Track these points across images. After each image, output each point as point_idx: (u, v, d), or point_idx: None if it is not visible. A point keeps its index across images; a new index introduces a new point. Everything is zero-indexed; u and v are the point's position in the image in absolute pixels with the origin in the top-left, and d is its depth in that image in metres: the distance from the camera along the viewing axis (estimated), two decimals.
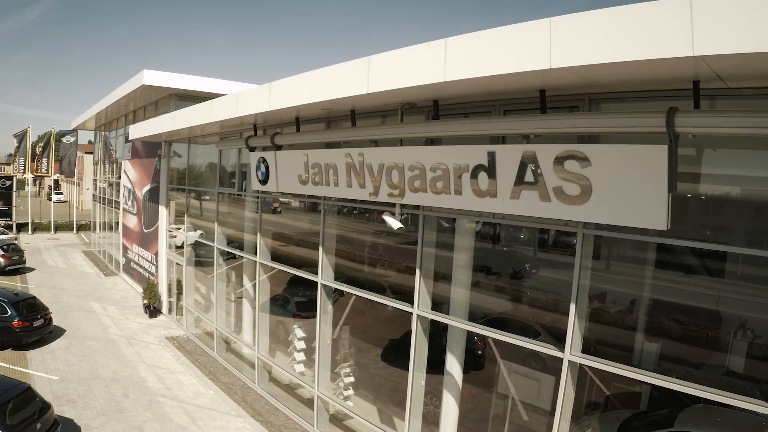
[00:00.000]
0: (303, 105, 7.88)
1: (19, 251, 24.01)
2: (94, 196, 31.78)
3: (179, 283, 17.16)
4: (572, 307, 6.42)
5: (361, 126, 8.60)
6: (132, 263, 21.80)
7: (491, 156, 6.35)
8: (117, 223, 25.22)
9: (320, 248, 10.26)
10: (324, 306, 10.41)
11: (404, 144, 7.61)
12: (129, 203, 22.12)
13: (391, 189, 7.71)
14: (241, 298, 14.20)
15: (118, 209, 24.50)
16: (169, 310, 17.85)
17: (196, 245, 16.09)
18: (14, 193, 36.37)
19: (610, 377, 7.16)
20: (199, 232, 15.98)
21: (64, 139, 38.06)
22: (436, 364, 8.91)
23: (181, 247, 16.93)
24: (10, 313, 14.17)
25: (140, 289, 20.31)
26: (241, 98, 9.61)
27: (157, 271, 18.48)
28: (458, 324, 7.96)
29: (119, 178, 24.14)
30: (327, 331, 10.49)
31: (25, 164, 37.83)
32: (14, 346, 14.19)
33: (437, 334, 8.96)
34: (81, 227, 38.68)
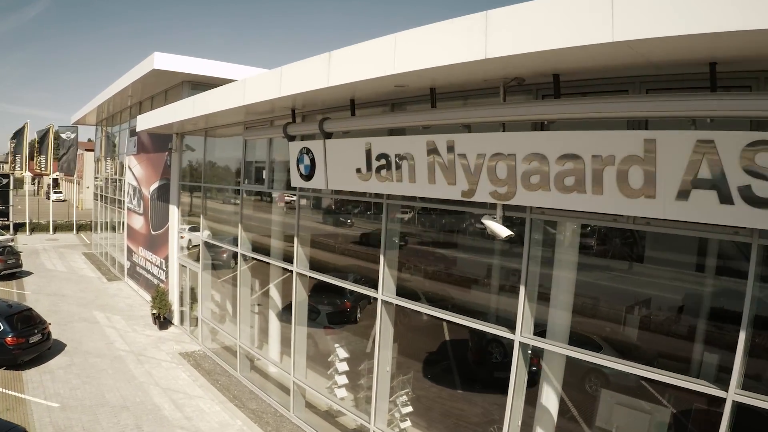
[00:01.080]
0: (380, 78, 6.00)
1: (16, 254, 21.96)
2: (95, 194, 29.74)
3: (193, 291, 15.22)
4: (742, 336, 4.72)
5: (446, 108, 6.72)
6: (138, 267, 19.83)
7: (650, 145, 4.62)
8: (120, 224, 23.24)
9: (381, 258, 8.38)
10: (385, 328, 8.52)
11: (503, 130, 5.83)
12: (134, 202, 20.14)
13: (496, 186, 5.88)
14: (267, 310, 12.29)
15: (122, 209, 22.53)
16: (181, 321, 15.91)
17: (213, 249, 14.17)
18: (11, 192, 34.18)
19: None
20: (207, 233, 14.05)
21: (63, 136, 35.97)
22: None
23: (191, 248, 15.03)
24: (2, 328, 12.20)
25: (147, 297, 18.36)
26: (285, 74, 7.71)
27: (167, 277, 16.52)
28: (567, 351, 6.13)
29: (123, 175, 22.15)
30: (387, 357, 8.61)
31: (22, 162, 35.69)
32: (8, 365, 12.23)
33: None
34: (81, 227, 36.58)
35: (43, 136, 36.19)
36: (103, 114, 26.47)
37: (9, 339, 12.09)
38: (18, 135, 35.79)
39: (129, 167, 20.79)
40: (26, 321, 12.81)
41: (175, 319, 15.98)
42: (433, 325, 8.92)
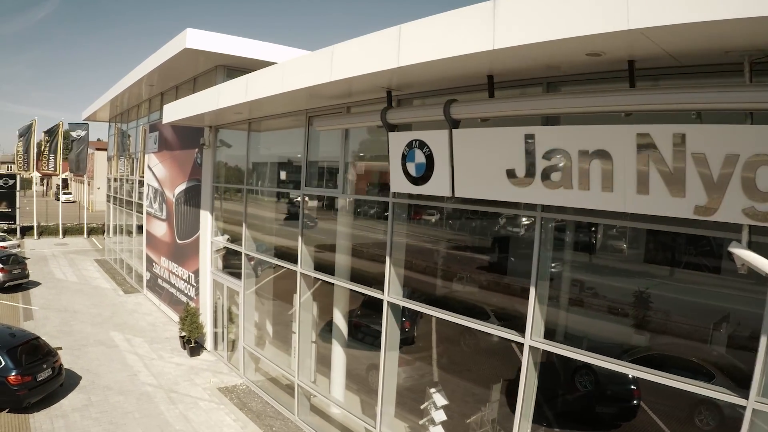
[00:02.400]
0: (576, 39, 3.60)
1: (22, 263, 19.51)
2: (108, 196, 27.27)
3: (230, 312, 12.77)
4: None
5: (646, 88, 4.35)
6: (160, 280, 17.36)
7: None
8: (137, 227, 20.80)
9: (532, 290, 5.89)
10: (529, 384, 6.04)
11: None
12: (155, 206, 17.66)
13: (754, 202, 3.55)
14: (330, 341, 9.82)
15: (139, 212, 20.10)
16: (215, 345, 13.44)
17: (257, 264, 11.69)
18: (18, 193, 31.74)
19: None
20: (250, 244, 11.57)
21: (73, 134, 33.54)
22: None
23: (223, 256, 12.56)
24: (3, 363, 9.76)
25: (172, 314, 15.90)
26: (405, 36, 5.25)
27: (197, 294, 14.05)
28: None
29: (141, 175, 19.70)
30: (526, 426, 6.12)
31: (30, 162, 33.25)
32: (12, 408, 9.81)
33: None
34: (92, 231, 34.13)
35: (52, 134, 33.76)
36: (117, 109, 24.03)
37: (12, 377, 9.63)
38: (25, 133, 33.33)
39: (149, 166, 18.32)
40: (33, 353, 10.35)
41: (208, 344, 13.51)
42: (503, 346, 6.99)
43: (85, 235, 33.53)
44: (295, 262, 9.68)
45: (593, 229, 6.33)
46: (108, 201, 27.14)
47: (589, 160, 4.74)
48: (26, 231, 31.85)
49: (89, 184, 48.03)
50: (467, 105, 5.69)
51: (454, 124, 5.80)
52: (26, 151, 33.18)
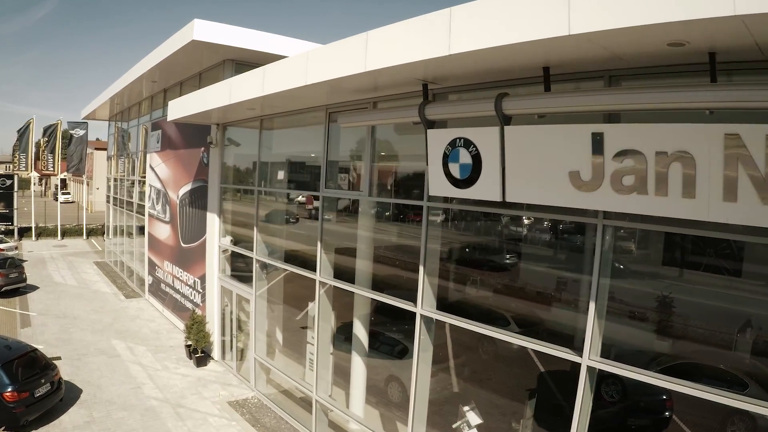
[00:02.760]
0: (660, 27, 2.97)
1: (19, 266, 18.75)
2: (107, 197, 26.51)
3: (239, 320, 12.07)
4: None
5: (737, 84, 3.76)
6: (163, 285, 16.65)
7: None
8: (138, 229, 20.07)
9: (591, 306, 5.22)
10: (584, 408, 5.38)
11: None
12: (158, 208, 16.94)
13: None
14: (350, 352, 9.14)
15: (140, 213, 19.38)
16: (223, 355, 12.74)
17: (270, 269, 11.00)
18: (15, 194, 30.96)
19: None
20: (262, 249, 10.88)
21: (72, 132, 32.75)
22: None
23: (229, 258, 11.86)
24: None
25: (176, 320, 15.19)
26: (456, 19, 4.56)
27: (203, 300, 13.34)
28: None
29: (142, 175, 18.97)
30: None
31: (28, 161, 32.45)
32: (9, 427, 9.08)
33: None
34: (92, 232, 33.35)
35: (51, 134, 32.97)
36: (117, 107, 23.27)
37: (8, 394, 8.92)
38: (23, 132, 32.50)
39: (151, 166, 17.60)
40: (30, 366, 9.63)
41: (216, 353, 12.80)
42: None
43: (84, 237, 32.76)
44: (313, 269, 8.98)
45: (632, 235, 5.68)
46: (108, 202, 26.39)
47: (668, 162, 4.09)
48: (24, 232, 31.08)
49: (88, 185, 47.23)
50: (522, 99, 5.00)
51: (506, 120, 5.12)
52: (24, 150, 32.37)
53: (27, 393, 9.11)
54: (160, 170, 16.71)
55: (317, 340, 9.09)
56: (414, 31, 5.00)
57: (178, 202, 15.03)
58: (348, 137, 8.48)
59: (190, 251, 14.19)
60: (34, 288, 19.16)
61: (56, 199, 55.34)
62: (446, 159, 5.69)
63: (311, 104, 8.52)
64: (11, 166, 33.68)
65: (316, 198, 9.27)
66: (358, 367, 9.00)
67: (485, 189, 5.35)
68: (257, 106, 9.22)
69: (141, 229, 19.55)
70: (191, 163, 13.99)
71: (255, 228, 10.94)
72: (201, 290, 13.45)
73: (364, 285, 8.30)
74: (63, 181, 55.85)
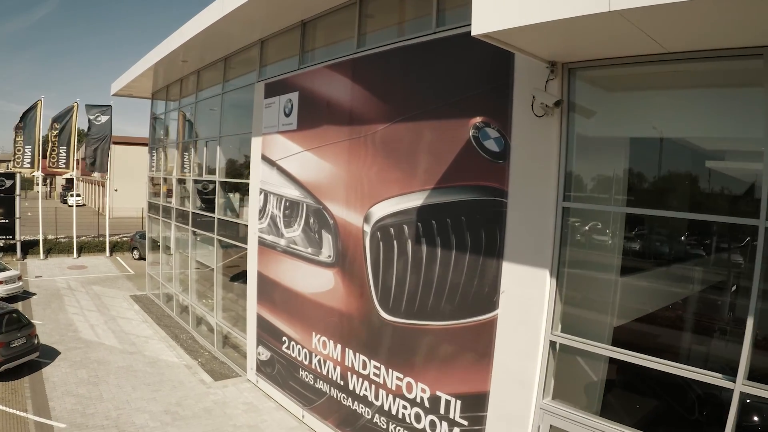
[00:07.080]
0: None
1: (27, 325, 10.66)
2: (150, 205, 18.39)
3: None
4: None
5: None
6: (306, 374, 8.76)
7: None
8: (221, 253, 12.19)
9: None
10: None
11: None
12: (290, 233, 9.07)
13: None
14: None
15: (199, 229, 11.53)
16: None
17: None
18: (18, 198, 22.76)
19: None
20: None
21: (91, 118, 24.61)
22: None
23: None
24: None
25: None
26: None
27: None
28: None
29: (236, 174, 11.04)
30: None
31: (33, 157, 24.13)
32: None
33: None
34: (116, 247, 25.14)
35: (63, 122, 24.77)
36: (165, 78, 15.31)
37: None
38: (29, 118, 24.13)
39: (266, 160, 9.75)
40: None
41: None
42: None
43: (108, 254, 24.39)
44: None
45: None
46: (151, 213, 18.28)
47: None
48: (29, 248, 22.70)
49: (102, 186, 38.63)
50: None
51: None
52: (29, 142, 24.03)
53: None
54: (296, 166, 8.86)
55: None
56: None
57: (370, 231, 7.19)
58: None
59: (419, 334, 6.36)
60: (51, 353, 11.16)
61: (64, 202, 46.55)
62: None
63: None
64: (11, 164, 25.22)
65: None
66: None
67: None
68: None
69: (225, 254, 11.74)
70: (422, 153, 6.21)
71: None
72: (460, 420, 5.60)
73: None
74: (70, 180, 46.84)
